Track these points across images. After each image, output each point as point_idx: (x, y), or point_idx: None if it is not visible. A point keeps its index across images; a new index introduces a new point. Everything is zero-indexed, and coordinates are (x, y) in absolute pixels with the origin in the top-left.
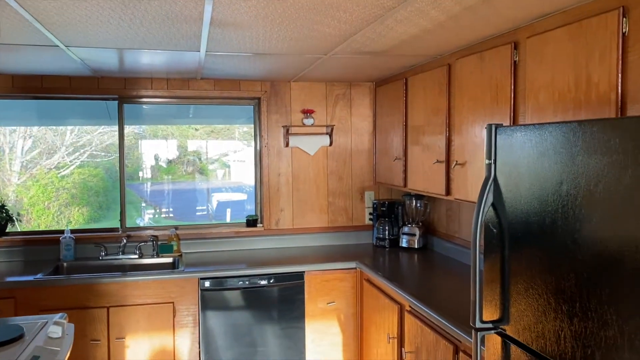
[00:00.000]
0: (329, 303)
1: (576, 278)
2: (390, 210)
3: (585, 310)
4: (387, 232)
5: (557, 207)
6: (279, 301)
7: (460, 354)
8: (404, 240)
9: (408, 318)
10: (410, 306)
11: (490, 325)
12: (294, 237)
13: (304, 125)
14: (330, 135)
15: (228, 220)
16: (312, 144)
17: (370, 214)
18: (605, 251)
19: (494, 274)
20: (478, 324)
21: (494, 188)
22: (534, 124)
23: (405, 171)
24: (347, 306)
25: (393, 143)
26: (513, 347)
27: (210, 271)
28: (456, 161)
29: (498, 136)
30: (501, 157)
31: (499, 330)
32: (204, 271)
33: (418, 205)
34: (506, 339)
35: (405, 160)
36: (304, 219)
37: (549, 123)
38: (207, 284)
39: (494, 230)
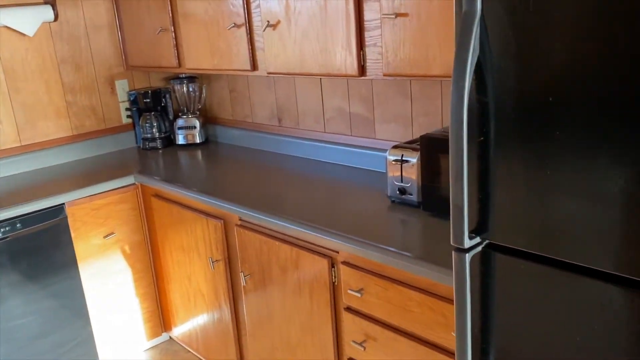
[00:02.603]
0: (107, 236)
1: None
2: (155, 102)
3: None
4: (155, 130)
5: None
6: (35, 252)
7: (340, 266)
8: (181, 136)
9: (241, 234)
10: (242, 219)
11: (478, 240)
12: (25, 157)
13: None
14: (54, 6)
15: None
16: (28, 20)
17: (127, 109)
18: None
19: (472, 167)
20: (467, 243)
21: (480, 35)
22: None
23: (177, 46)
24: (131, 234)
25: (150, 9)
26: (516, 262)
27: None
28: (268, 21)
29: None
30: None
31: (489, 242)
32: None
33: (191, 89)
34: (503, 253)
35: (176, 31)
36: (36, 131)
37: None
38: None
39: (477, 104)
